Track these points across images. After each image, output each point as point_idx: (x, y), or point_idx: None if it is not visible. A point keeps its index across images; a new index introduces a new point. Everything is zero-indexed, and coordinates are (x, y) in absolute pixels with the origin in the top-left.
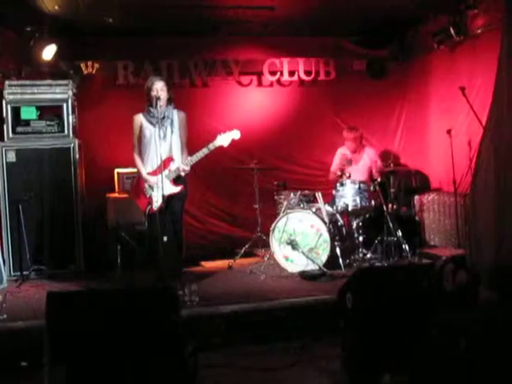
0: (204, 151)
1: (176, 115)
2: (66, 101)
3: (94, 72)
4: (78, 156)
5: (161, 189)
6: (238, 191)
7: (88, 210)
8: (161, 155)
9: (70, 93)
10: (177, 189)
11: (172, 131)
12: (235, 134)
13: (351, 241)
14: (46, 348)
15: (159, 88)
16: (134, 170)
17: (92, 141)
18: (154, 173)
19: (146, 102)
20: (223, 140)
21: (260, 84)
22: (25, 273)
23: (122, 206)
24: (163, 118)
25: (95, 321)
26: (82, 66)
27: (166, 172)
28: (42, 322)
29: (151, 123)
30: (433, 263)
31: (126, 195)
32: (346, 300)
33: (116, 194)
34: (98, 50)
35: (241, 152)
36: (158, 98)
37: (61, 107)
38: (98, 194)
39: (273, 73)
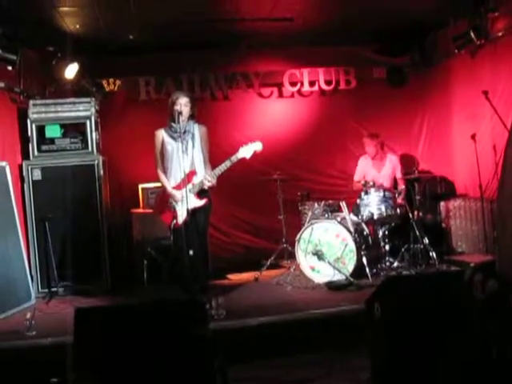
0: (227, 164)
1: (197, 129)
2: (89, 118)
3: (116, 89)
4: (102, 172)
5: (185, 203)
6: (262, 203)
7: (113, 225)
8: (184, 169)
9: (93, 110)
10: (201, 202)
11: (193, 145)
12: (257, 146)
13: (377, 250)
14: (74, 364)
15: (183, 103)
16: (158, 184)
17: (115, 157)
18: (178, 187)
19: (169, 117)
20: (245, 152)
21: (281, 95)
22: (53, 289)
23: (147, 221)
24: (184, 132)
25: (123, 336)
26: (104, 83)
27: (189, 186)
28: (71, 338)
29: (173, 138)
30: (461, 271)
31: (150, 210)
32: (374, 310)
33: (141, 210)
34: (119, 66)
35: (264, 163)
36: (179, 113)
37: (84, 124)
38: (122, 210)
39: (293, 83)
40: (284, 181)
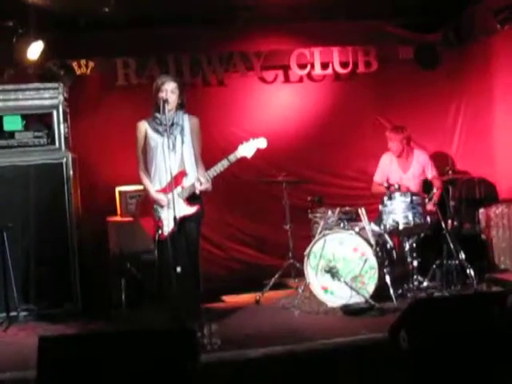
0: (223, 164)
1: (187, 121)
2: (57, 107)
3: (88, 72)
4: (71, 173)
5: (172, 210)
6: (264, 210)
7: (85, 236)
8: (170, 169)
9: (61, 98)
10: (192, 209)
11: (183, 140)
12: (261, 143)
13: (403, 266)
14: None
15: (170, 89)
16: (140, 187)
17: (88, 154)
18: (164, 191)
19: (153, 106)
20: (246, 150)
21: (287, 80)
22: (12, 314)
23: (125, 232)
24: (172, 124)
25: (96, 371)
26: (75, 65)
27: (178, 189)
28: (33, 373)
29: (157, 132)
30: (504, 293)
31: (130, 218)
32: (400, 339)
33: (118, 218)
34: (92, 45)
35: (267, 163)
36: (165, 101)
37: (50, 115)
38: (96, 218)
39: (302, 66)
40: (291, 183)
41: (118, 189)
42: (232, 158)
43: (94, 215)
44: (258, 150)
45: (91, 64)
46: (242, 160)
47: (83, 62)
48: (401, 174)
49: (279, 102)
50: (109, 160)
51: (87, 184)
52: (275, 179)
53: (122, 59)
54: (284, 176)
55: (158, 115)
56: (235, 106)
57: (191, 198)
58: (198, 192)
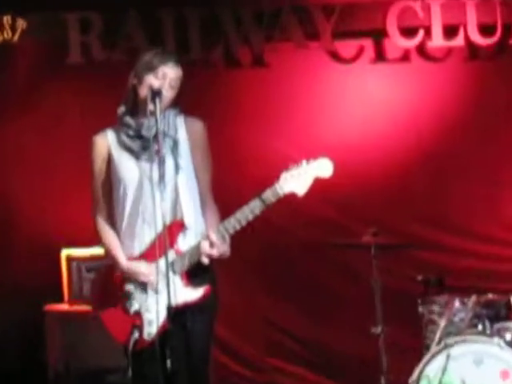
0: (254, 208)
1: (182, 128)
2: None
3: (16, 38)
4: None
5: (162, 293)
6: (334, 297)
7: (4, 337)
8: (161, 219)
9: None
10: (195, 293)
11: (177, 165)
12: (322, 168)
13: None
14: None
15: (170, 78)
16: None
17: (13, 189)
18: (145, 257)
19: (123, 101)
20: (295, 182)
21: (380, 57)
22: None
23: (77, 332)
24: (155, 135)
25: None
26: None
27: (171, 256)
28: None
29: (130, 151)
30: None
31: (85, 308)
32: None
33: (65, 305)
34: None
35: (339, 208)
36: (157, 94)
37: None
38: (26, 305)
39: (408, 31)
40: (386, 248)
41: (64, 252)
42: (269, 195)
43: (22, 300)
44: (319, 183)
45: (21, 23)
46: (290, 201)
47: (7, 19)
48: None
49: (365, 95)
50: (50, 201)
51: (11, 243)
52: (356, 241)
53: (76, 15)
54: (373, 235)
55: (131, 121)
56: (283, 102)
57: (195, 273)
58: (206, 261)
